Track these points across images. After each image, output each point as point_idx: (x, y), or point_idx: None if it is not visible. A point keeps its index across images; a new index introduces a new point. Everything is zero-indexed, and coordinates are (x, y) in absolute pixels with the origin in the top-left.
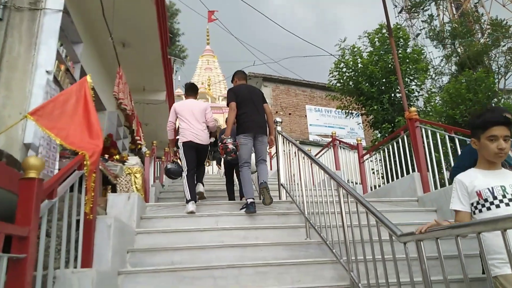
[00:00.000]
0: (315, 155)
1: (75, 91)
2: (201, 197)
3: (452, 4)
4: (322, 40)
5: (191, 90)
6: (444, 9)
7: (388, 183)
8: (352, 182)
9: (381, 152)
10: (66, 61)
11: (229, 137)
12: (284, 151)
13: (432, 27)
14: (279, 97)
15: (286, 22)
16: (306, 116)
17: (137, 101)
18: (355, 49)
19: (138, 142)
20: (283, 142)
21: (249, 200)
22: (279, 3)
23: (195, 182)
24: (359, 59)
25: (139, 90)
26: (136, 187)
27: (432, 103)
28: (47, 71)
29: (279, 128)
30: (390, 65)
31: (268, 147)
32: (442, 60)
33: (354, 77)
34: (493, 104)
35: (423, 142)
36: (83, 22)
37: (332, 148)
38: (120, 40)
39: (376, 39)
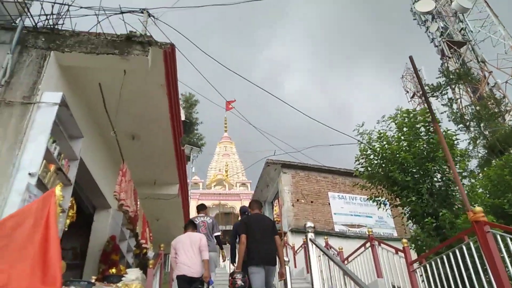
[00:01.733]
0: (350, 255)
1: (35, 211)
2: None
3: (469, 88)
4: (337, 125)
5: (189, 226)
6: (463, 92)
7: None
8: None
9: (438, 260)
10: (58, 159)
11: (240, 272)
12: (319, 266)
13: (454, 111)
14: (299, 184)
15: (301, 107)
16: (329, 204)
17: (146, 196)
18: (381, 134)
19: (144, 245)
20: (317, 255)
21: None
22: (294, 89)
23: None
24: (386, 145)
25: (149, 184)
26: None
27: (476, 193)
28: (30, 174)
29: (311, 235)
30: (423, 151)
31: (278, 278)
32: (469, 143)
33: (383, 164)
34: None
35: (502, 253)
36: (87, 114)
37: (369, 248)
38: (129, 133)
39: (404, 124)
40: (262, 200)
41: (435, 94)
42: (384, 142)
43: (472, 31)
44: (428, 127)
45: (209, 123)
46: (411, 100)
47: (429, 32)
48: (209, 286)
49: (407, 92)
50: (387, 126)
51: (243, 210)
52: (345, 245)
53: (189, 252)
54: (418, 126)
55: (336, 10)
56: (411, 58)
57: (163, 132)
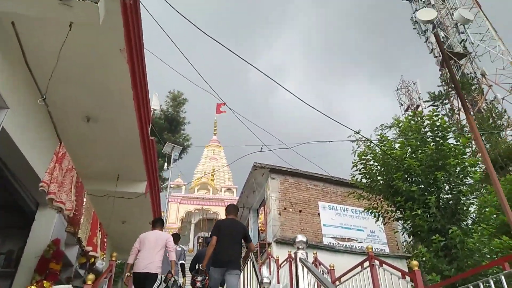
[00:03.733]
0: (343, 275)
1: None
2: None
3: (467, 101)
4: (332, 133)
5: (158, 223)
6: (459, 106)
7: None
8: None
9: None
10: None
11: (201, 272)
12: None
13: (454, 122)
14: (288, 191)
15: (295, 115)
16: (319, 214)
17: (106, 193)
18: (383, 137)
19: (91, 253)
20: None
21: None
22: (289, 98)
23: None
24: (388, 150)
25: (111, 179)
26: None
27: (487, 210)
28: None
29: (301, 254)
30: (431, 159)
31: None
32: (469, 157)
33: (384, 172)
34: None
35: None
36: (20, 79)
37: (367, 269)
38: (82, 112)
39: (409, 128)
40: (247, 207)
41: (435, 103)
42: (386, 147)
43: (472, 43)
44: (437, 132)
45: (197, 124)
46: (405, 113)
47: (429, 42)
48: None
49: (401, 105)
50: (385, 134)
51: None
52: (334, 260)
53: (151, 249)
54: (425, 130)
55: (332, 20)
56: (435, 34)
57: (126, 115)
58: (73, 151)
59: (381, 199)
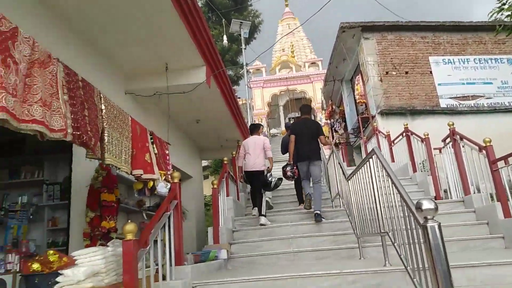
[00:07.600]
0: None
1: None
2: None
3: None
4: None
5: (254, 130)
6: None
7: None
8: None
9: None
10: None
11: (290, 164)
12: None
13: None
14: (388, 51)
15: None
16: (431, 72)
17: (156, 92)
18: None
19: (143, 177)
20: None
21: (316, 213)
22: None
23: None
24: None
25: (158, 72)
26: None
27: None
28: None
29: None
30: None
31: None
32: None
33: None
34: None
35: None
36: None
37: None
38: None
39: None
40: (338, 79)
41: None
42: None
43: None
44: None
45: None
46: None
47: None
48: (270, 179)
49: None
50: None
51: (287, 125)
52: (457, 125)
53: (253, 152)
54: None
55: None
56: None
57: None
58: (93, 39)
59: None
